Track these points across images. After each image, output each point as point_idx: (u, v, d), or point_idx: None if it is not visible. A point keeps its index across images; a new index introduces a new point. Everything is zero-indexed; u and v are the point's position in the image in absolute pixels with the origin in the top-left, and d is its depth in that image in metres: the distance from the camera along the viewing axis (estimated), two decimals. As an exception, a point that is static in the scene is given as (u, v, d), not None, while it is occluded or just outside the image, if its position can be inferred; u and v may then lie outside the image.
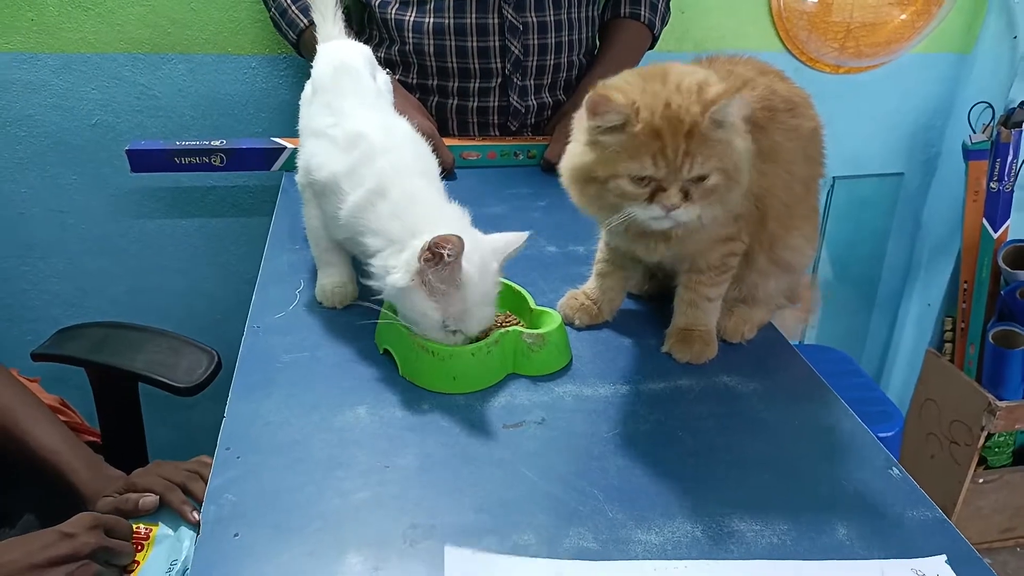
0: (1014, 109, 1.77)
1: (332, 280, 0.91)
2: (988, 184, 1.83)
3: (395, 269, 0.75)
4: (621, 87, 0.71)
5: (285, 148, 1.32)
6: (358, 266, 0.89)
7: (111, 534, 0.81)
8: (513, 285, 0.88)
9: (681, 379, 0.82)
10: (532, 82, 1.37)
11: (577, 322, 0.90)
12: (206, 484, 0.65)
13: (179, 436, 1.36)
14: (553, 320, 0.83)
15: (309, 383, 0.78)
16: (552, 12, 1.33)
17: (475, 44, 1.30)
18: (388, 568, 0.58)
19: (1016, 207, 1.84)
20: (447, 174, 0.98)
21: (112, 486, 0.90)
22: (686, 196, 0.70)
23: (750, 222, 0.82)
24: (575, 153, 0.75)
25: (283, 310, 0.90)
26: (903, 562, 0.61)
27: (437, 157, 0.89)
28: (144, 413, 1.17)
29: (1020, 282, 1.80)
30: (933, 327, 2.07)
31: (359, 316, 0.87)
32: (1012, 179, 1.80)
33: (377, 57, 1.05)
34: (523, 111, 1.39)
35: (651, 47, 1.49)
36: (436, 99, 1.37)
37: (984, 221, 1.85)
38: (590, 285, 0.92)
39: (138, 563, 0.83)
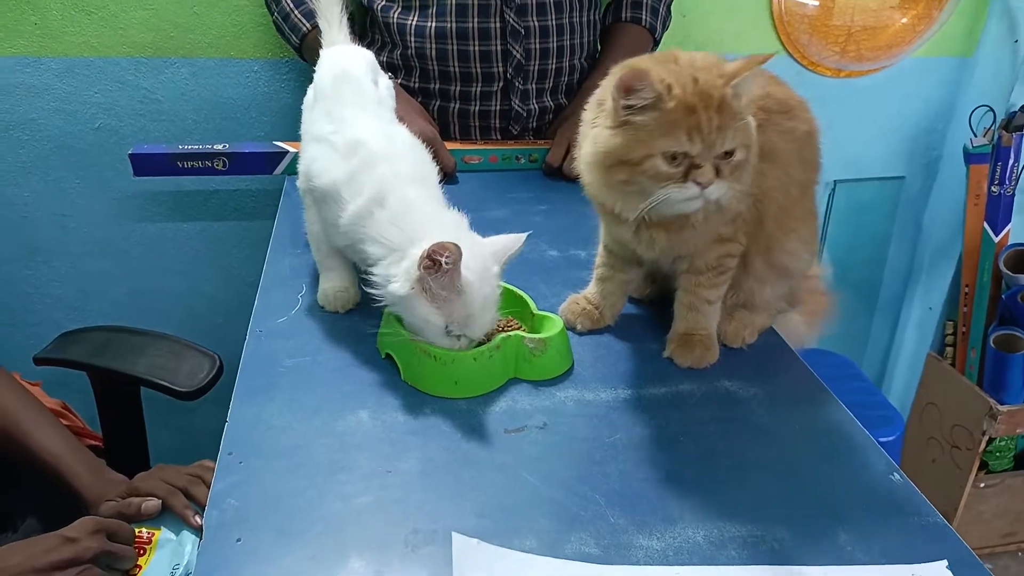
0: (1015, 113, 1.77)
1: (334, 284, 0.91)
2: (989, 188, 1.82)
3: (396, 278, 0.75)
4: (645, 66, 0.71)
5: (287, 152, 1.32)
6: (360, 274, 0.89)
7: (113, 538, 0.81)
8: (515, 289, 0.88)
9: (682, 384, 0.82)
10: (534, 86, 1.38)
11: (579, 327, 0.90)
12: (208, 488, 0.65)
13: (181, 440, 1.37)
14: (555, 325, 0.83)
15: (311, 387, 0.78)
16: (554, 16, 1.34)
17: (477, 48, 1.31)
18: (390, 572, 0.58)
19: (1017, 211, 1.83)
20: (448, 178, 0.98)
21: (114, 490, 0.90)
22: (717, 172, 0.71)
23: (747, 223, 0.83)
24: (601, 139, 0.73)
25: (285, 314, 0.90)
26: (904, 567, 0.60)
27: (439, 162, 0.90)
28: (146, 417, 1.17)
29: (1021, 286, 1.80)
30: (934, 331, 2.06)
31: (361, 320, 0.88)
32: (1013, 183, 1.80)
33: (380, 61, 1.05)
34: (525, 115, 1.39)
35: (652, 51, 1.49)
36: (438, 103, 1.37)
37: (985, 225, 1.85)
38: (591, 289, 0.92)
39: (140, 567, 0.84)
